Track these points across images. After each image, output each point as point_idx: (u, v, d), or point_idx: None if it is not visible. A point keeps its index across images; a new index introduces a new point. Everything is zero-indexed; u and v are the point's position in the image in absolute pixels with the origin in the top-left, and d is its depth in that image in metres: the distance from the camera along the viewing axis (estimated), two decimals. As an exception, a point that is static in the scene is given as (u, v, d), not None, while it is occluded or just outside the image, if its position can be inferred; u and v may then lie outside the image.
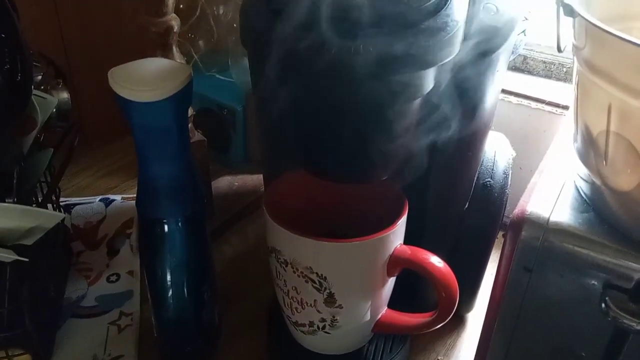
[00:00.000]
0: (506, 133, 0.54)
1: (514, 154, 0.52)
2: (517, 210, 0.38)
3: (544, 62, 0.68)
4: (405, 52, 0.31)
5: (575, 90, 0.37)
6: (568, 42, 0.40)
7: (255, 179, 0.75)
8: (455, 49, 0.33)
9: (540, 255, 0.37)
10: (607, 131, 0.34)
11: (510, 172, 0.50)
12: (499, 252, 0.59)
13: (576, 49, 0.36)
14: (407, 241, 0.44)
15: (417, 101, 0.37)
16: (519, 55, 0.69)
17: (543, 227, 0.37)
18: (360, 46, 0.30)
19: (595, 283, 0.36)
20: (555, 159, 0.44)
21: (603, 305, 0.35)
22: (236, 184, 0.75)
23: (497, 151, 0.50)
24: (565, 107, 0.62)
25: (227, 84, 0.77)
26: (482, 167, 0.49)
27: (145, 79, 0.38)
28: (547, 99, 0.63)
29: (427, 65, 0.32)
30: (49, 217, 0.43)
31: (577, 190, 0.40)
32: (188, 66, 0.41)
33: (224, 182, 0.75)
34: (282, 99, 0.39)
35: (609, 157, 0.34)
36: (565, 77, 0.67)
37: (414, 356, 0.53)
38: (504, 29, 0.38)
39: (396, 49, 0.30)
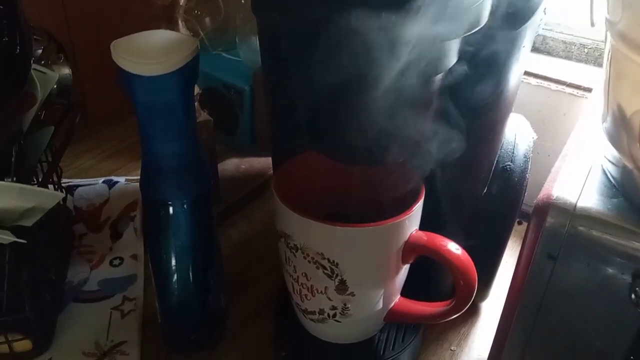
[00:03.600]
0: (524, 115, 0.52)
1: (535, 137, 0.49)
2: (541, 195, 0.36)
3: (565, 43, 0.65)
4: (430, 21, 0.28)
5: (607, 67, 0.35)
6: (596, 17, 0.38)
7: (262, 162, 0.73)
8: (482, 20, 0.31)
9: (566, 243, 0.35)
10: (644, 111, 0.32)
11: (531, 155, 0.48)
12: (515, 238, 0.58)
13: (610, 24, 0.34)
14: (421, 226, 0.42)
15: (439, 77, 0.34)
16: (538, 35, 0.66)
17: (569, 213, 0.35)
18: (382, 14, 0.28)
19: (625, 273, 0.34)
20: (579, 142, 0.42)
21: (633, 296, 0.34)
22: (243, 166, 0.73)
23: (517, 134, 0.48)
24: (587, 90, 0.59)
25: (235, 63, 0.75)
26: (502, 150, 0.47)
27: (150, 52, 0.36)
28: (568, 80, 0.61)
29: (452, 36, 0.30)
30: (48, 197, 0.42)
31: (605, 174, 0.38)
32: (194, 39, 0.39)
33: (230, 164, 0.73)
34: (293, 74, 0.37)
35: (644, 138, 0.32)
36: (587, 59, 0.65)
37: (426, 346, 0.51)
38: (531, 1, 0.36)
39: (420, 17, 0.28)
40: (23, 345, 0.47)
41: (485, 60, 0.35)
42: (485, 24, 0.32)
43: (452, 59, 0.32)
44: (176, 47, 0.37)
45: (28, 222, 0.41)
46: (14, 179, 0.43)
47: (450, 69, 0.34)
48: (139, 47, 0.37)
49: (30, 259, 0.45)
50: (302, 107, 0.39)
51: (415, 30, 0.28)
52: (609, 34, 0.34)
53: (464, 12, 0.29)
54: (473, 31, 0.31)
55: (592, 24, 0.36)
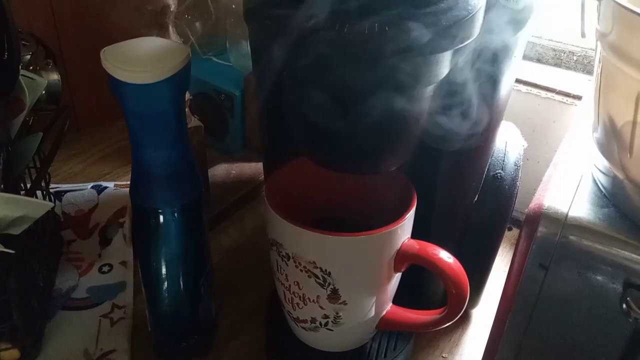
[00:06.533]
0: (514, 122, 0.52)
1: (526, 145, 0.50)
2: (533, 205, 0.36)
3: (554, 50, 0.66)
4: (423, 33, 0.28)
5: (598, 78, 0.35)
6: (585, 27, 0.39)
7: (253, 167, 0.73)
8: (475, 31, 0.31)
9: (558, 252, 0.35)
10: (634, 122, 0.32)
11: (521, 163, 0.48)
12: (504, 244, 0.58)
13: (601, 35, 0.34)
14: (412, 235, 0.42)
15: (431, 87, 0.34)
16: (528, 42, 0.67)
17: (561, 222, 0.35)
18: (375, 26, 0.27)
19: (615, 282, 0.34)
20: (570, 150, 0.42)
21: (624, 305, 0.34)
22: (233, 171, 0.72)
23: (508, 141, 0.48)
24: (577, 97, 0.60)
25: (225, 68, 0.75)
26: (493, 158, 0.47)
27: (141, 59, 0.36)
28: (557, 88, 0.61)
29: (445, 47, 0.30)
30: (37, 207, 0.41)
31: (596, 183, 0.38)
32: (186, 46, 0.38)
33: (221, 170, 0.72)
34: (285, 83, 0.37)
35: (634, 149, 0.32)
36: (575, 66, 0.65)
37: (417, 353, 0.51)
38: (523, 11, 0.36)
39: (413, 30, 0.28)
40: (11, 354, 0.46)
41: (477, 70, 0.35)
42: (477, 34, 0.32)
43: (444, 70, 0.32)
44: (168, 54, 0.37)
45: (16, 231, 0.41)
46: (2, 186, 0.42)
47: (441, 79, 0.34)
48: (130, 54, 0.36)
49: (18, 266, 0.45)
50: (294, 115, 0.39)
51: (407, 43, 0.28)
52: (599, 44, 0.34)
53: (456, 25, 0.29)
54: (467, 42, 0.31)
55: (583, 35, 0.36)
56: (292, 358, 0.48)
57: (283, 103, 0.39)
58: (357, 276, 0.40)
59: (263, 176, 0.64)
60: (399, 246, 0.40)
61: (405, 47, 0.28)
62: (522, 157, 0.49)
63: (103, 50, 0.37)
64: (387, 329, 0.47)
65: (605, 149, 0.36)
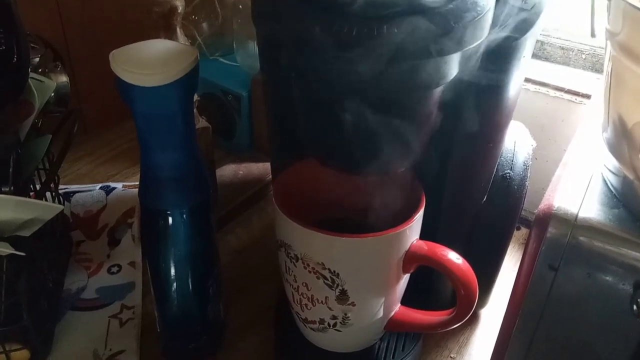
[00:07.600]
0: (522, 121, 0.52)
1: (534, 145, 0.49)
2: (543, 206, 0.36)
3: (562, 49, 0.65)
4: (432, 35, 0.28)
5: (608, 78, 0.35)
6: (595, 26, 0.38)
7: (260, 167, 0.73)
8: (484, 32, 0.31)
9: (567, 253, 0.35)
10: (645, 123, 0.32)
11: (530, 163, 0.48)
12: (512, 244, 0.58)
13: (610, 34, 0.34)
14: (421, 235, 0.42)
15: (439, 89, 0.34)
16: (536, 40, 0.66)
17: (571, 223, 0.35)
18: (384, 27, 0.27)
19: (625, 283, 0.34)
20: (579, 150, 0.42)
21: (634, 307, 0.33)
22: (241, 172, 0.72)
23: (516, 141, 0.48)
24: (586, 96, 0.59)
25: (232, 69, 0.75)
26: (502, 158, 0.46)
27: (149, 62, 0.36)
28: (566, 86, 0.61)
29: (454, 49, 0.30)
30: (46, 209, 0.41)
31: (606, 184, 0.38)
32: (194, 48, 0.38)
33: (228, 170, 0.72)
34: (293, 84, 0.37)
35: (645, 150, 0.32)
36: (584, 64, 0.65)
37: (426, 354, 0.51)
38: (532, 11, 0.36)
39: (422, 31, 0.28)
40: (21, 355, 0.47)
41: (486, 71, 0.35)
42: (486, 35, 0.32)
43: (453, 71, 0.32)
44: (176, 57, 0.37)
45: (26, 233, 0.41)
46: (12, 188, 0.42)
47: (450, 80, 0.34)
48: (138, 57, 0.37)
49: (28, 268, 0.45)
50: (301, 115, 0.39)
51: (415, 45, 0.28)
52: (609, 43, 0.34)
53: (465, 26, 0.29)
54: (476, 44, 0.31)
55: (593, 35, 0.36)
56: (301, 359, 0.48)
57: (291, 104, 0.39)
58: (365, 277, 0.40)
59: (270, 176, 0.64)
60: (408, 247, 0.40)
61: (414, 48, 0.28)
62: (531, 156, 0.48)
63: (112, 53, 0.37)
64: (395, 330, 0.47)
65: (615, 149, 0.35)
